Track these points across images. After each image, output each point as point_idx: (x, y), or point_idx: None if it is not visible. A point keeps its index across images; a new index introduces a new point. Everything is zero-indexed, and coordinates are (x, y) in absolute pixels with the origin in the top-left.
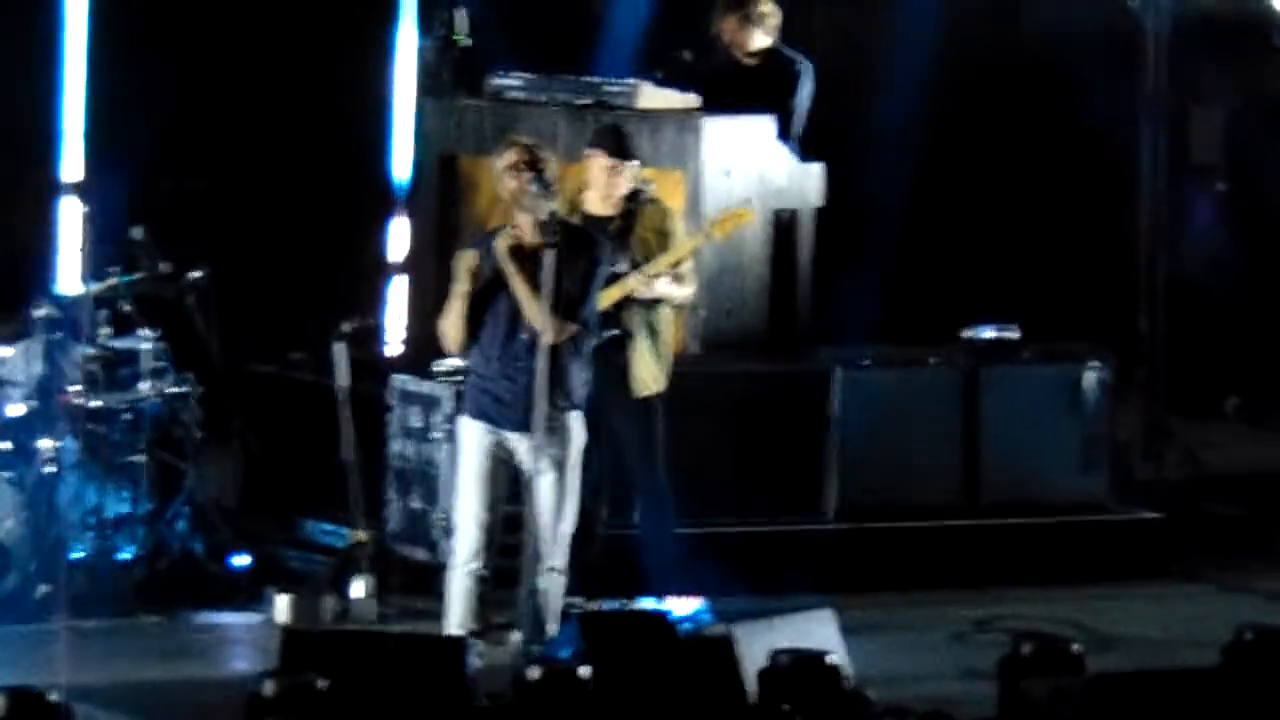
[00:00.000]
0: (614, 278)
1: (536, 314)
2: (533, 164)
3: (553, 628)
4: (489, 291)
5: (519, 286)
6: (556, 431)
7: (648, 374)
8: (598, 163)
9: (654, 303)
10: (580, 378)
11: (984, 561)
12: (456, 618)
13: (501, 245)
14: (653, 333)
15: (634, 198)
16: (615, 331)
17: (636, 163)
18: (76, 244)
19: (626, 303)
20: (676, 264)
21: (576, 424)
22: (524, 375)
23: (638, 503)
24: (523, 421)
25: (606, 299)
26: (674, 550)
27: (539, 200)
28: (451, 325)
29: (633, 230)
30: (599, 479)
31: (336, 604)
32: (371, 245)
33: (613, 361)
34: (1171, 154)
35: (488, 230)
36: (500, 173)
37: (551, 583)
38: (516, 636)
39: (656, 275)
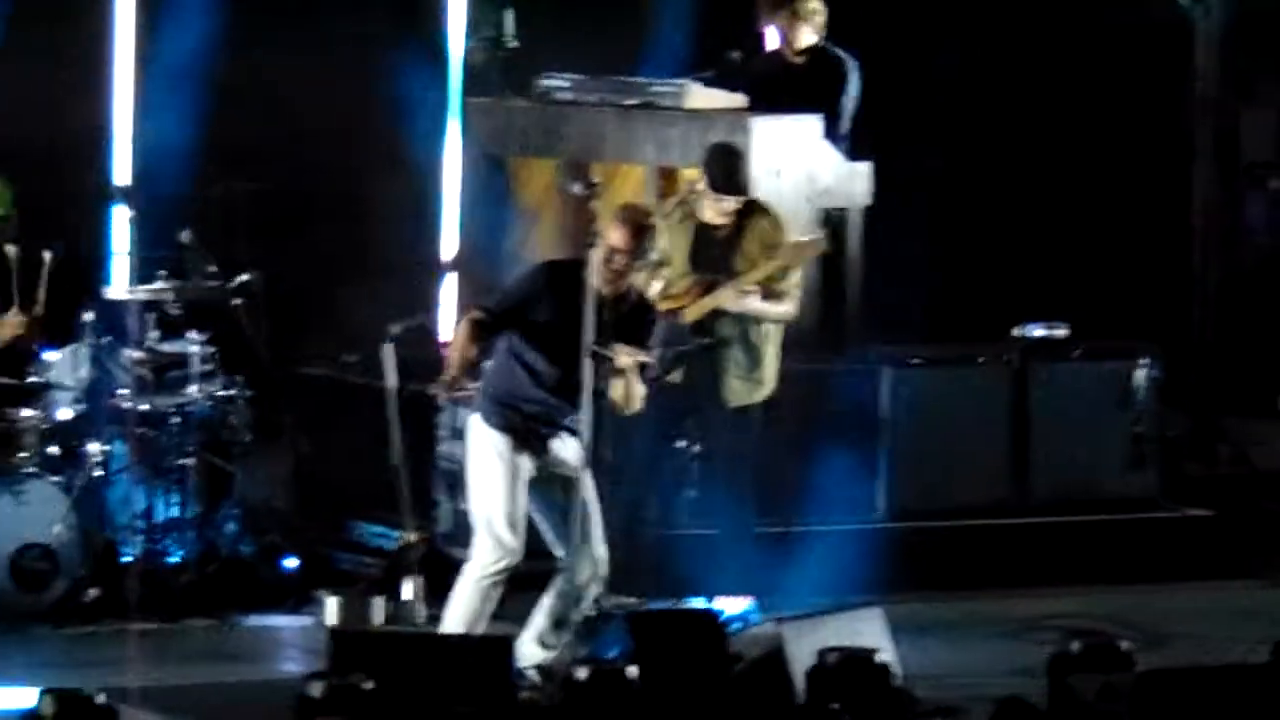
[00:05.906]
0: (709, 287)
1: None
2: (632, 252)
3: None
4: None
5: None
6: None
7: (738, 384)
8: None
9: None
10: None
11: (1034, 559)
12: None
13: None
14: (746, 344)
15: (748, 209)
16: (707, 340)
17: (737, 198)
18: (125, 248)
19: (719, 313)
20: (766, 280)
21: None
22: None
23: (720, 508)
24: (563, 427)
25: (698, 309)
26: (750, 557)
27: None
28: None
29: (740, 241)
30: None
31: (386, 606)
32: (421, 245)
33: (705, 370)
34: (1224, 152)
35: (563, 259)
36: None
37: (593, 584)
38: (565, 635)
39: (744, 290)
